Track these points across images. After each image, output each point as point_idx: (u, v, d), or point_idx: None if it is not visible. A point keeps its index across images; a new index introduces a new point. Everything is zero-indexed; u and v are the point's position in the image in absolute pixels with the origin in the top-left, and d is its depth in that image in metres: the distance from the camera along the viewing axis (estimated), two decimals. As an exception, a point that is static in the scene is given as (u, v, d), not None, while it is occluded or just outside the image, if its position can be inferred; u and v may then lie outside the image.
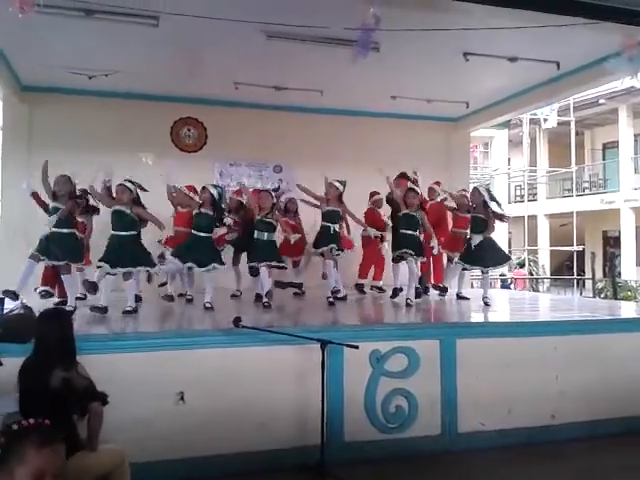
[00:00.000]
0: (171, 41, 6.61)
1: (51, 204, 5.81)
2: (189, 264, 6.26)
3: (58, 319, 3.65)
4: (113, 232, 5.80)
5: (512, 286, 17.32)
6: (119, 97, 8.66)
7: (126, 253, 5.75)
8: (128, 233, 5.78)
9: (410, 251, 6.76)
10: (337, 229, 7.12)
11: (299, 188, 7.33)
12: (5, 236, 8.52)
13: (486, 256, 7.02)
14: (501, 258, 7.34)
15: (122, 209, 5.82)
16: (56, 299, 6.19)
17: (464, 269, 7.45)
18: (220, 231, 6.64)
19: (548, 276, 20.72)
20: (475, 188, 7.44)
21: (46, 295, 6.17)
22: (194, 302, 6.76)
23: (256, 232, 6.50)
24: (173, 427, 4.23)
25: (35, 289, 6.23)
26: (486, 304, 6.92)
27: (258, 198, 6.64)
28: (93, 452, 3.24)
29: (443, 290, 7.72)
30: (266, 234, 6.47)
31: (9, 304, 4.69)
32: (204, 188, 6.46)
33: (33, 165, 7.65)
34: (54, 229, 5.68)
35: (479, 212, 7.07)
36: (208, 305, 6.16)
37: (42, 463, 1.87)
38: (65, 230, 5.75)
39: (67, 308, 5.52)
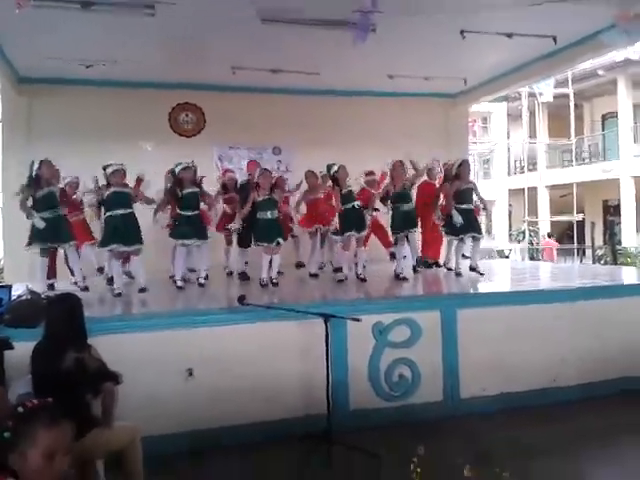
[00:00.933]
0: (168, 29, 6.63)
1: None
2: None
3: (68, 303, 3.73)
4: (112, 213, 6.06)
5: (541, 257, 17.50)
6: (117, 86, 8.71)
7: (129, 231, 6.06)
8: (127, 211, 6.11)
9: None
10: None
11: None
12: (6, 228, 8.66)
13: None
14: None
15: (120, 189, 6.11)
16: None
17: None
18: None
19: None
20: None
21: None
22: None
23: (259, 212, 6.55)
24: (183, 402, 4.39)
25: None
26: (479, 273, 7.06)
27: (259, 177, 6.63)
28: (108, 429, 3.35)
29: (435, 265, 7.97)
30: (269, 213, 6.52)
31: (17, 290, 4.80)
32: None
33: (33, 156, 7.76)
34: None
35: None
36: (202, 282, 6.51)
37: (52, 442, 1.88)
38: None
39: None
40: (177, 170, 6.56)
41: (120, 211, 6.07)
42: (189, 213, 6.47)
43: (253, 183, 6.86)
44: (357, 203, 6.80)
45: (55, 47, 7.22)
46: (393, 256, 7.76)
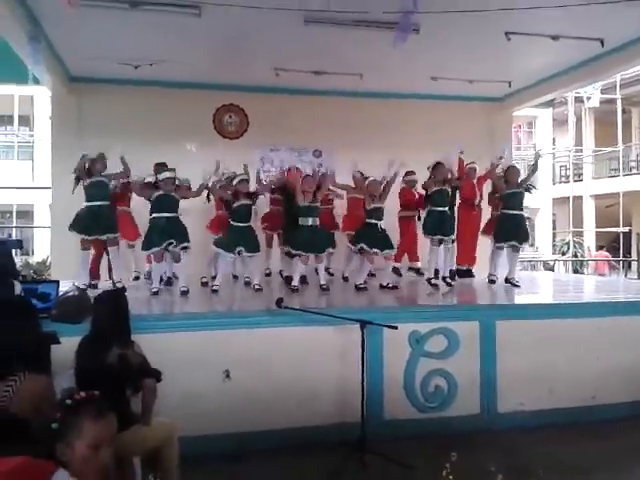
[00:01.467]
0: (213, 30, 6.73)
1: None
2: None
3: (114, 300, 3.84)
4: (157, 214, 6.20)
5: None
6: (163, 86, 8.86)
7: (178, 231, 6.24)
8: (173, 214, 6.24)
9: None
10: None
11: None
12: (54, 224, 8.89)
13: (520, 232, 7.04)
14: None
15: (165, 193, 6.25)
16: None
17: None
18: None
19: (593, 258, 20.27)
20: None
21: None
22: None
23: (300, 219, 6.49)
24: (220, 403, 4.43)
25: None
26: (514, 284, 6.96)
27: (302, 182, 6.60)
28: (147, 426, 3.40)
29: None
30: (310, 220, 6.46)
31: (64, 287, 4.93)
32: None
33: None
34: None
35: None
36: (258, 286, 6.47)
37: (98, 434, 1.95)
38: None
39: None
40: (235, 182, 6.63)
41: (166, 214, 6.22)
42: (241, 225, 6.48)
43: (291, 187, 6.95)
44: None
45: (104, 47, 7.39)
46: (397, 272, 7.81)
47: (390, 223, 7.84)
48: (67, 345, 3.69)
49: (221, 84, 9.08)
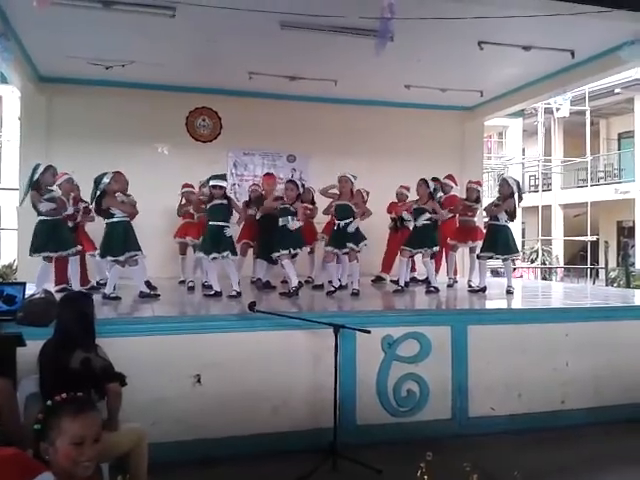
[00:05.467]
0: (187, 31, 6.67)
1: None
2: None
3: (78, 302, 3.75)
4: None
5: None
6: (135, 87, 8.74)
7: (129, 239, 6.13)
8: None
9: None
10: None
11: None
12: (21, 226, 8.70)
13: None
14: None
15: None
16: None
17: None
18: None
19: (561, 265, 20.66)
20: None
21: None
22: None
23: (281, 220, 6.49)
24: (190, 409, 4.36)
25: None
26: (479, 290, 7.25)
27: (285, 189, 6.65)
28: (113, 432, 3.31)
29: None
30: (289, 218, 6.46)
31: (30, 289, 4.81)
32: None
33: (51, 155, 7.82)
34: None
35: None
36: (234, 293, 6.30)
37: (79, 429, 1.99)
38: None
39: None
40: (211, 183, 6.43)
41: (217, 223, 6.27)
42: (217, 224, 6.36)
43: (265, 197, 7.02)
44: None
45: (75, 47, 7.26)
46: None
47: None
48: (34, 348, 3.59)
49: (194, 87, 8.99)
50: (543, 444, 4.77)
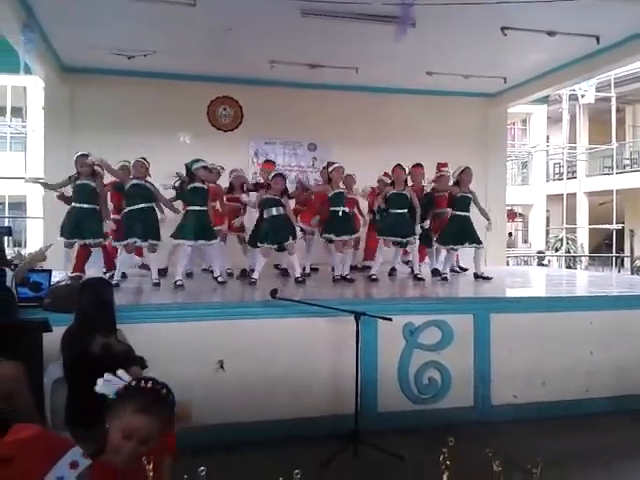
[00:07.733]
0: (208, 20, 6.67)
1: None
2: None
3: (97, 288, 3.78)
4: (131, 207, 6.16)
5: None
6: (157, 77, 8.77)
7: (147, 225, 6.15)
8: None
9: None
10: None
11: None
12: (46, 215, 8.83)
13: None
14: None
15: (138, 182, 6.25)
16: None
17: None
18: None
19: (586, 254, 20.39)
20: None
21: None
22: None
23: (265, 212, 6.46)
24: (213, 393, 4.40)
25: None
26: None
27: (273, 182, 6.50)
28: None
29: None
30: (274, 209, 6.41)
31: (56, 276, 4.90)
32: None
33: (75, 145, 7.91)
34: None
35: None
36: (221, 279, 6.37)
37: (133, 425, 1.92)
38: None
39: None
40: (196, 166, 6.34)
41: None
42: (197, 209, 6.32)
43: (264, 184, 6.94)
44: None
45: (98, 37, 7.31)
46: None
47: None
48: (60, 334, 3.63)
49: (216, 76, 9.01)
50: (566, 432, 4.74)
